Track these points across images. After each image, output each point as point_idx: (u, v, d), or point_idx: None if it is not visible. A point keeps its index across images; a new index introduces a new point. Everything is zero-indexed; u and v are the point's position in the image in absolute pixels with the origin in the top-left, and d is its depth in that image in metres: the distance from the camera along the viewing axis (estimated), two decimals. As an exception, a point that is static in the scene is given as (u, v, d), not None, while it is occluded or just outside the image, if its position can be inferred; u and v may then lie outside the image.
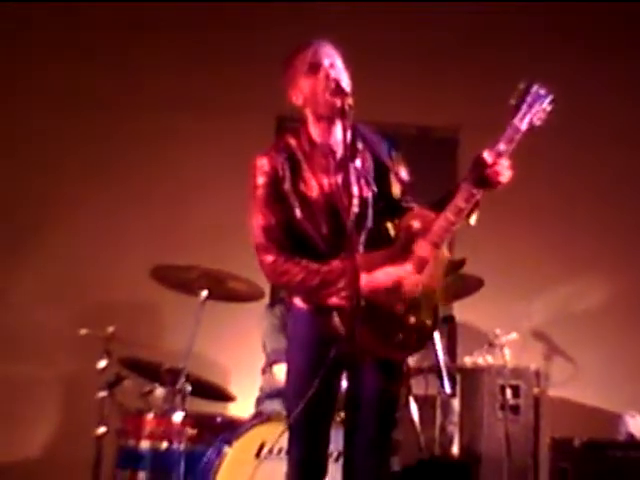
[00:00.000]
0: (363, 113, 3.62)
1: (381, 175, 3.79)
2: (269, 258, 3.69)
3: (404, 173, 3.86)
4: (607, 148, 7.26)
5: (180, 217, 6.90)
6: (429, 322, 3.67)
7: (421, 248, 3.64)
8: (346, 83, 3.67)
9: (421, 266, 3.64)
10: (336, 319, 3.58)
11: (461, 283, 5.19)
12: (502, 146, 3.61)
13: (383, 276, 3.59)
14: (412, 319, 3.63)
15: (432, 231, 3.64)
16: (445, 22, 7.29)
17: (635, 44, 7.36)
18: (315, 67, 3.70)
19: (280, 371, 5.40)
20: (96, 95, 7.06)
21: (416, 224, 3.68)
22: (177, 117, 7.05)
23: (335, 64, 3.72)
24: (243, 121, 6.95)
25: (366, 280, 3.44)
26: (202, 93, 7.11)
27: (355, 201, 3.56)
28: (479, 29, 7.30)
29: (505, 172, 3.60)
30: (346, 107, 3.52)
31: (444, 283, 3.70)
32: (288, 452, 3.87)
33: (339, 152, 3.74)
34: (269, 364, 5.54)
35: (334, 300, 3.59)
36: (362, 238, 3.70)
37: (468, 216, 3.68)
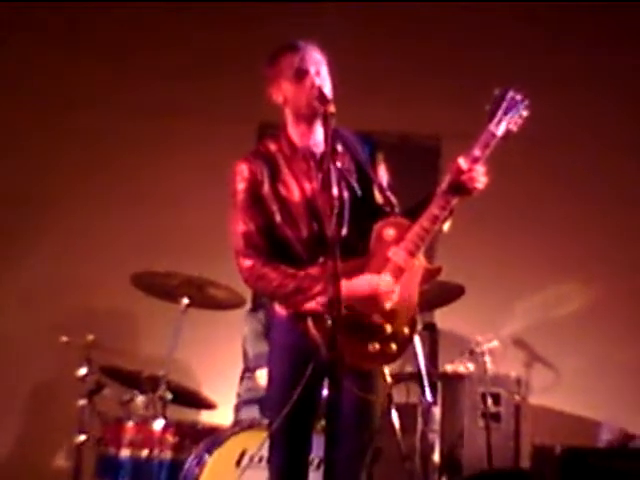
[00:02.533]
0: (345, 120, 3.63)
1: (361, 178, 3.78)
2: (247, 263, 3.69)
3: (385, 174, 3.86)
4: (587, 154, 7.27)
5: (161, 224, 6.88)
6: (406, 330, 3.66)
7: (396, 256, 3.64)
8: (329, 90, 3.67)
9: (397, 274, 3.63)
10: (310, 325, 3.58)
11: (441, 291, 5.19)
12: (477, 152, 3.61)
13: (360, 284, 3.58)
14: (389, 328, 3.62)
15: (407, 239, 3.63)
16: (429, 30, 7.30)
17: (621, 45, 7.37)
18: (301, 74, 3.70)
19: (262, 376, 5.39)
20: (78, 102, 7.04)
21: (391, 232, 3.67)
22: (158, 124, 7.04)
23: (320, 71, 3.72)
24: (224, 128, 6.95)
25: (343, 287, 3.42)
26: (185, 100, 7.11)
27: (336, 202, 3.54)
28: (463, 37, 7.31)
29: (480, 178, 3.60)
30: (328, 114, 3.52)
31: (420, 291, 3.70)
32: (269, 460, 3.86)
33: (319, 154, 3.74)
34: (252, 369, 5.53)
35: (310, 306, 3.58)
36: (347, 239, 3.68)
37: (443, 222, 3.67)
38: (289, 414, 3.61)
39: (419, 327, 4.84)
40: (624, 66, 7.32)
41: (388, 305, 3.60)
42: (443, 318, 6.36)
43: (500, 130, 3.63)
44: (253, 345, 5.55)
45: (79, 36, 7.16)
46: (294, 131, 3.78)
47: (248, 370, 5.58)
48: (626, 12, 7.32)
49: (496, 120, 3.64)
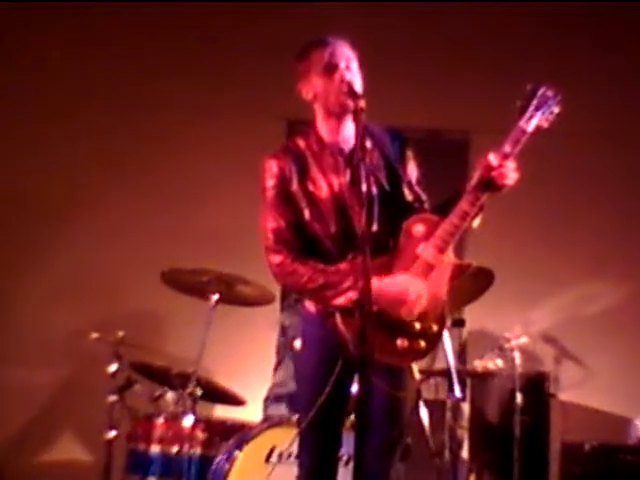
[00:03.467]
0: (374, 115, 3.62)
1: (390, 174, 3.77)
2: (277, 259, 3.70)
3: (414, 170, 3.85)
4: (619, 150, 7.23)
5: (191, 221, 6.89)
6: (435, 328, 3.64)
7: (425, 252, 3.63)
8: (359, 85, 3.66)
9: (426, 271, 3.62)
10: (339, 321, 3.58)
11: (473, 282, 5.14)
12: (508, 148, 3.58)
13: (389, 285, 3.57)
14: (417, 325, 3.61)
15: (437, 235, 3.62)
16: (456, 24, 7.27)
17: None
18: (331, 69, 3.69)
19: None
20: (107, 97, 7.07)
21: (420, 228, 3.66)
22: (188, 120, 7.05)
23: (350, 66, 3.71)
24: (255, 125, 6.95)
25: (373, 285, 3.40)
26: (215, 96, 7.11)
27: (365, 198, 3.54)
28: (492, 33, 7.29)
29: (511, 174, 3.58)
30: (358, 109, 3.52)
31: (450, 287, 3.69)
32: (298, 456, 3.87)
33: (347, 150, 3.74)
34: (291, 339, 5.49)
35: (339, 301, 3.58)
36: (376, 235, 3.67)
37: (473, 218, 3.66)
38: (319, 410, 3.62)
39: (448, 323, 4.85)
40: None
41: (415, 312, 3.59)
42: (472, 314, 6.33)
43: (531, 126, 3.60)
44: (289, 316, 5.52)
45: (96, 31, 7.14)
46: (323, 127, 3.78)
47: (280, 363, 5.59)
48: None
49: (527, 116, 3.61)
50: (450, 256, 3.66)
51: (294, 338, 5.37)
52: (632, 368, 7.04)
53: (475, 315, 6.37)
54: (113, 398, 5.19)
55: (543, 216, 7.17)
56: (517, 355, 6.10)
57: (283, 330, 5.61)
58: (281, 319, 5.64)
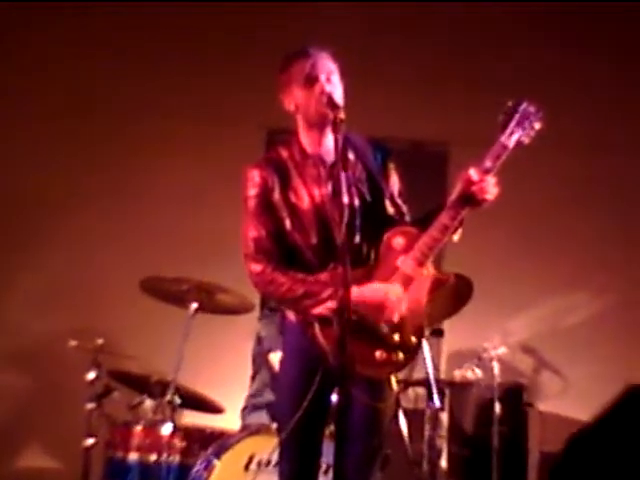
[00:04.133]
0: (354, 125, 3.64)
1: (372, 187, 3.79)
2: (257, 268, 3.71)
3: (396, 182, 3.87)
4: (598, 161, 7.27)
5: (172, 229, 6.89)
6: (414, 340, 3.65)
7: (405, 265, 3.64)
8: (339, 96, 3.67)
9: (405, 283, 3.63)
10: (318, 331, 3.59)
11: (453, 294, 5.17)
12: (488, 163, 3.60)
13: (369, 292, 3.58)
14: (396, 336, 3.62)
15: (416, 248, 3.64)
16: (438, 37, 7.31)
17: (629, 53, 7.38)
18: (311, 80, 3.70)
19: (276, 359, 5.42)
20: (86, 105, 7.06)
21: (400, 240, 3.68)
22: (168, 127, 7.06)
23: (331, 77, 3.72)
24: (236, 133, 6.97)
25: (352, 293, 3.39)
26: (197, 104, 7.12)
27: (346, 210, 3.55)
28: (472, 45, 7.32)
29: (491, 189, 3.59)
30: (337, 120, 3.53)
31: (430, 300, 3.70)
32: (279, 465, 3.87)
33: (330, 162, 3.75)
34: (265, 352, 5.52)
35: (318, 311, 3.59)
36: (356, 247, 3.69)
37: (453, 232, 3.68)
38: (299, 419, 3.62)
39: (427, 334, 4.86)
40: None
41: (395, 317, 3.60)
42: (451, 324, 6.34)
43: (512, 142, 3.62)
44: (266, 327, 5.55)
45: (83, 39, 7.16)
46: (305, 138, 3.79)
47: (257, 373, 5.60)
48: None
49: (508, 132, 3.63)
50: (429, 269, 3.67)
51: (269, 350, 5.40)
52: (610, 379, 7.01)
53: (454, 325, 6.39)
54: (91, 406, 5.17)
55: (522, 228, 7.19)
56: (496, 365, 6.13)
57: (259, 340, 5.62)
58: (257, 329, 5.65)
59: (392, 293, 3.60)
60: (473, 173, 3.59)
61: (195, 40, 7.23)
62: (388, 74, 7.21)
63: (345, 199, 3.50)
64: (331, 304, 3.52)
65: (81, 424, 5.19)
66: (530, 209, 7.18)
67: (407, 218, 3.81)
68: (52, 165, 7.03)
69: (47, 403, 6.69)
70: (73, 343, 5.31)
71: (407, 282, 3.63)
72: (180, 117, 7.06)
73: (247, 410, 5.55)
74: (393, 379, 3.74)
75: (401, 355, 3.63)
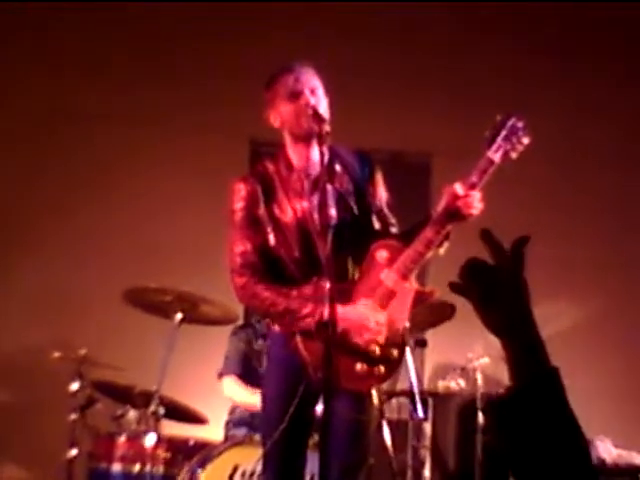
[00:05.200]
0: (336, 137, 3.65)
1: (359, 199, 3.80)
2: (241, 281, 3.73)
3: (384, 193, 3.88)
4: (578, 170, 7.31)
5: (155, 240, 6.87)
6: (395, 353, 3.67)
7: (388, 279, 3.65)
8: (324, 110, 3.69)
9: (388, 297, 3.64)
10: (300, 344, 3.60)
11: (433, 311, 5.21)
12: (474, 178, 3.61)
13: (350, 314, 3.59)
14: (378, 350, 3.63)
15: (400, 262, 3.65)
16: (420, 48, 7.33)
17: (621, 62, 7.42)
18: (296, 94, 3.73)
19: (228, 384, 5.44)
20: (71, 113, 7.05)
21: (384, 254, 3.69)
22: (152, 137, 7.07)
23: (316, 91, 3.75)
24: (219, 145, 6.97)
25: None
26: (180, 114, 7.12)
27: (332, 223, 3.56)
28: (454, 56, 7.35)
29: (476, 204, 3.61)
30: (323, 133, 3.55)
31: (412, 313, 3.70)
32: (263, 475, 3.88)
33: (315, 174, 3.76)
34: (218, 375, 5.56)
35: (299, 326, 3.61)
36: (339, 260, 3.70)
37: (439, 246, 3.68)
38: (284, 430, 3.63)
39: (411, 343, 4.88)
40: (620, 89, 7.38)
41: (372, 345, 3.60)
42: (435, 334, 6.36)
43: (498, 157, 3.62)
44: (229, 350, 5.59)
45: (65, 46, 7.16)
46: (292, 152, 3.81)
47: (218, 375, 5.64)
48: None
49: (495, 146, 3.63)
50: (413, 283, 3.68)
51: (221, 374, 5.43)
52: (590, 389, 7.07)
53: (438, 336, 6.40)
54: (74, 416, 5.16)
55: (502, 238, 7.20)
56: (479, 376, 6.14)
57: (226, 359, 5.64)
58: (227, 345, 5.66)
59: (372, 317, 3.61)
60: (458, 188, 3.60)
61: (179, 51, 7.23)
62: (370, 85, 7.22)
63: (332, 212, 3.52)
64: (310, 320, 3.55)
65: (64, 435, 5.18)
66: (510, 219, 7.16)
67: (395, 229, 3.83)
68: (33, 177, 7.02)
69: (30, 414, 6.66)
70: (56, 354, 5.30)
71: (390, 296, 3.64)
72: (163, 129, 7.07)
73: (231, 424, 5.55)
74: (374, 392, 3.74)
75: (382, 368, 3.64)
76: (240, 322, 5.81)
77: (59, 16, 7.08)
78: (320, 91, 3.76)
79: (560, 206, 7.33)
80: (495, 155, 3.63)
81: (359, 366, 3.60)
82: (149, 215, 6.99)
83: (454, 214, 3.61)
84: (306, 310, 3.59)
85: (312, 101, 3.69)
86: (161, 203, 7.02)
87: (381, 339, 3.61)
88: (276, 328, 3.81)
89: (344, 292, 3.60)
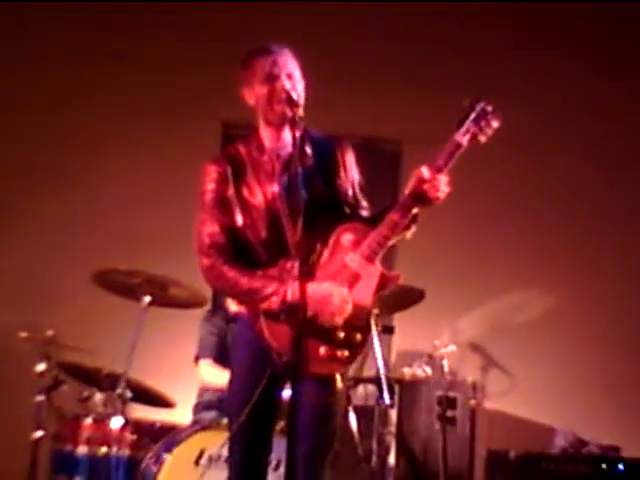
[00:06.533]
0: (310, 122, 3.65)
1: (328, 182, 3.80)
2: (208, 261, 3.72)
3: (357, 176, 3.88)
4: (548, 160, 7.35)
5: (124, 222, 6.87)
6: (359, 337, 3.65)
7: (353, 262, 3.65)
8: (298, 94, 3.69)
9: (352, 280, 3.64)
10: (264, 326, 3.60)
11: (401, 295, 5.23)
12: (441, 161, 3.59)
13: (313, 290, 3.55)
14: (341, 334, 3.62)
15: (365, 245, 3.64)
16: (392, 35, 7.33)
17: (582, 54, 7.46)
18: (272, 78, 3.72)
19: (204, 368, 5.46)
20: (42, 100, 7.02)
21: (349, 237, 3.68)
22: (119, 122, 7.04)
23: (293, 74, 3.74)
24: (190, 127, 6.96)
25: (296, 290, 3.41)
26: (147, 98, 7.11)
27: (302, 206, 3.55)
28: (427, 42, 7.37)
29: (443, 188, 3.60)
30: (296, 118, 3.55)
31: (377, 297, 3.70)
32: (229, 459, 3.88)
33: (285, 157, 3.75)
34: (194, 359, 5.58)
35: (263, 306, 3.60)
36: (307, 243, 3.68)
37: (405, 229, 3.69)
38: (249, 414, 3.63)
39: (378, 329, 4.88)
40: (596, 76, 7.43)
41: (337, 319, 3.61)
42: (402, 321, 6.39)
43: (466, 140, 3.61)
44: (201, 331, 5.61)
45: (31, 38, 7.13)
46: (265, 133, 3.81)
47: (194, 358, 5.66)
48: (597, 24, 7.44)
49: (463, 130, 3.61)
50: (378, 266, 3.68)
51: (197, 357, 5.46)
52: (556, 378, 7.14)
53: (405, 323, 6.43)
54: (40, 398, 5.15)
55: (472, 226, 7.25)
56: (445, 363, 6.17)
57: (200, 342, 5.66)
58: (199, 330, 5.68)
59: (336, 295, 3.61)
60: (425, 171, 3.59)
61: (149, 35, 7.21)
62: (341, 71, 7.21)
63: (302, 193, 3.51)
64: (275, 299, 3.55)
65: (30, 417, 5.16)
66: (478, 207, 7.22)
67: (366, 212, 3.83)
68: (5, 162, 6.98)
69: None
70: (23, 334, 5.28)
71: (354, 279, 3.63)
72: (135, 114, 7.06)
73: (198, 408, 5.56)
74: (338, 376, 3.74)
75: (346, 352, 3.63)
76: (209, 306, 5.82)
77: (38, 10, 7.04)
78: (297, 74, 3.76)
79: (529, 194, 7.37)
80: (463, 138, 3.62)
81: (323, 350, 3.59)
82: (121, 200, 6.98)
83: (420, 197, 3.60)
84: (270, 289, 3.58)
85: (287, 85, 3.68)
86: (133, 187, 7.00)
87: (346, 314, 3.60)
88: (242, 310, 3.81)
89: (308, 274, 3.57)
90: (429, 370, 6.16)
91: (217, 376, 5.37)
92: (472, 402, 6.53)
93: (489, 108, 3.67)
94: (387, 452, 6.06)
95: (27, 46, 7.11)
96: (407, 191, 3.63)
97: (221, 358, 5.48)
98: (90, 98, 7.08)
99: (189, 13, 7.18)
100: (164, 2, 7.15)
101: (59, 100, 7.06)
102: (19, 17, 7.10)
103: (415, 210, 3.64)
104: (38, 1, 7.14)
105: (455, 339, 6.51)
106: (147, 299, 5.23)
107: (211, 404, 5.42)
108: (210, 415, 5.37)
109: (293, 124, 3.56)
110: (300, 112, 3.56)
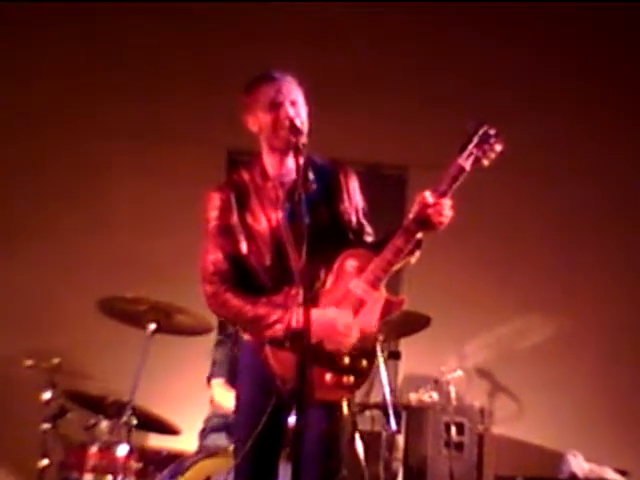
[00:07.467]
0: (312, 148, 3.66)
1: (332, 208, 3.80)
2: (211, 289, 3.73)
3: (361, 201, 3.88)
4: (554, 185, 7.35)
5: (130, 249, 6.87)
6: (364, 363, 3.65)
7: (357, 288, 3.65)
8: (303, 121, 3.69)
9: (357, 306, 3.63)
10: (269, 354, 3.59)
11: (408, 321, 5.22)
12: (444, 186, 3.59)
13: (318, 316, 3.54)
14: (347, 360, 3.62)
15: (369, 270, 3.63)
16: (397, 59, 7.35)
17: (588, 76, 7.47)
18: (276, 105, 3.72)
19: (217, 388, 5.45)
20: (47, 126, 7.04)
21: (353, 263, 3.68)
22: (128, 148, 7.06)
23: (296, 102, 3.75)
24: (195, 154, 6.97)
25: (301, 317, 3.40)
26: (157, 124, 7.12)
27: (305, 232, 3.55)
28: (432, 67, 7.38)
29: (447, 212, 3.59)
30: (300, 145, 3.56)
31: (381, 323, 3.69)
32: (235, 487, 3.86)
33: (289, 184, 3.76)
34: (208, 377, 5.56)
35: (268, 334, 3.60)
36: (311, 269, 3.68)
37: (409, 255, 3.68)
38: (255, 441, 3.62)
39: (385, 355, 4.87)
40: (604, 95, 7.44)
41: (342, 346, 3.59)
42: (408, 347, 6.37)
43: (469, 164, 3.61)
44: (215, 353, 5.60)
45: (35, 53, 7.15)
46: (268, 160, 3.81)
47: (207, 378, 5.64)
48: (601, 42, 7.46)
49: (466, 153, 3.61)
50: (383, 292, 3.67)
51: (211, 375, 5.44)
52: (564, 403, 7.12)
53: (411, 348, 6.42)
54: (46, 426, 5.13)
55: (478, 252, 7.24)
56: (452, 389, 6.15)
57: (214, 364, 5.64)
58: (213, 354, 5.67)
59: (341, 321, 3.60)
60: (428, 196, 3.60)
61: (155, 60, 7.23)
62: (346, 97, 7.23)
63: (306, 221, 3.51)
64: (279, 327, 3.55)
65: (36, 445, 5.14)
66: (485, 233, 7.22)
67: (370, 238, 3.83)
68: (9, 190, 6.99)
69: (1, 423, 6.63)
70: (29, 362, 5.27)
71: (359, 305, 3.63)
72: (140, 140, 7.06)
73: (205, 432, 5.54)
74: (345, 402, 3.73)
75: (352, 378, 3.62)
76: (216, 331, 5.81)
77: (39, 25, 7.07)
78: (300, 101, 3.76)
79: (532, 221, 7.37)
80: (466, 162, 3.61)
81: (328, 376, 3.59)
82: (126, 225, 6.99)
83: (424, 222, 3.60)
84: (274, 317, 3.58)
85: (291, 113, 3.69)
86: (138, 214, 7.01)
87: (351, 341, 3.59)
88: (247, 337, 3.80)
89: (312, 301, 3.57)
90: (436, 395, 6.15)
91: (228, 397, 5.36)
92: (480, 428, 6.50)
93: (492, 131, 3.67)
94: (394, 478, 6.04)
95: (35, 66, 7.14)
96: (411, 216, 3.63)
97: (232, 380, 5.47)
98: (98, 124, 7.09)
99: (195, 43, 7.21)
100: (175, 31, 7.18)
101: (67, 126, 7.07)
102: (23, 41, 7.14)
103: (419, 235, 3.64)
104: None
105: (462, 364, 6.48)
106: (152, 326, 5.22)
107: (219, 427, 5.40)
108: (218, 438, 5.34)
109: (297, 151, 3.57)
110: (304, 139, 3.57)
